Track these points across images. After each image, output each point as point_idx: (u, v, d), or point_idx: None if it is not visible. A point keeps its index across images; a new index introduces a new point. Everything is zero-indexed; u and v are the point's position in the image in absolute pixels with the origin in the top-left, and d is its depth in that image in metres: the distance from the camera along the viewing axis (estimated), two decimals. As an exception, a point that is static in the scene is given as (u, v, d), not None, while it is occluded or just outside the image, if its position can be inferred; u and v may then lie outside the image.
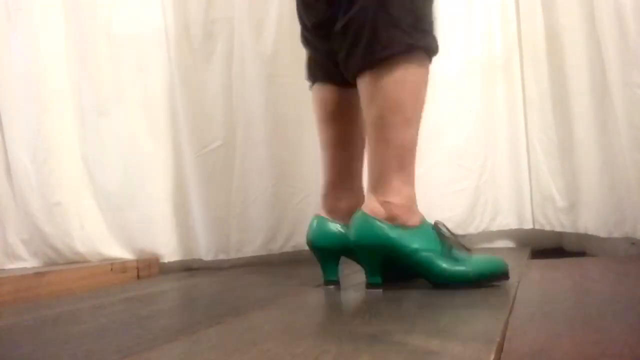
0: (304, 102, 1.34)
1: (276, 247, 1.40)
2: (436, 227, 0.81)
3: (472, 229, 1.34)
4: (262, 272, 1.26)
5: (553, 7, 1.25)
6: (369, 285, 0.82)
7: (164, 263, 1.47)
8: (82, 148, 1.50)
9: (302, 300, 0.81)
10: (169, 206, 1.47)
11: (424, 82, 0.83)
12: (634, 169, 1.05)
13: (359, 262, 0.86)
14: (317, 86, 0.97)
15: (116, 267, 1.34)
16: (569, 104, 1.23)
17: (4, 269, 1.50)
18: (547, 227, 1.30)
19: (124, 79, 1.47)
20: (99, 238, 1.47)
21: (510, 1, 1.33)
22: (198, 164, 1.42)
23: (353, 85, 0.84)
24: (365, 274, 0.82)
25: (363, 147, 0.93)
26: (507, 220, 1.35)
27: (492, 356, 0.43)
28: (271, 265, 1.39)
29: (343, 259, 0.89)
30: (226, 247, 1.42)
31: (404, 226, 0.79)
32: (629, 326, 0.53)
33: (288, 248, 1.39)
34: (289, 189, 1.39)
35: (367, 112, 0.82)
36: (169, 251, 1.46)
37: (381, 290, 0.81)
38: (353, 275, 0.96)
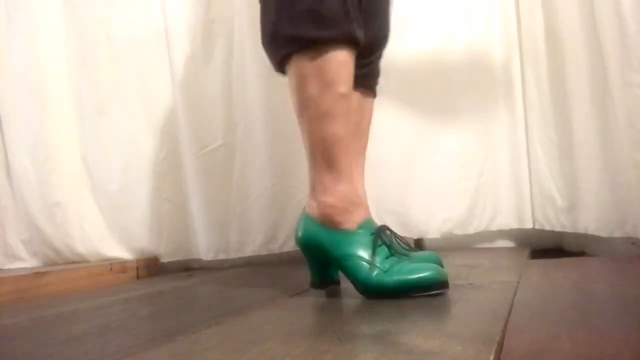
0: (303, 102, 1.35)
1: (276, 247, 1.40)
2: (376, 233, 0.77)
3: (472, 229, 1.34)
4: (262, 272, 1.26)
5: (553, 7, 1.25)
6: (311, 284, 0.83)
7: (164, 263, 1.47)
8: (82, 148, 1.51)
9: (302, 300, 0.81)
10: (169, 206, 1.47)
11: (342, 75, 0.78)
12: (634, 169, 1.05)
13: None
14: None
15: (116, 267, 1.34)
16: (569, 104, 1.23)
17: (3, 269, 1.50)
18: (547, 227, 1.30)
19: (123, 79, 1.47)
20: (99, 238, 1.48)
21: (510, 1, 1.33)
22: (198, 164, 1.42)
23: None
24: (310, 272, 0.83)
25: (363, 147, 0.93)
26: (507, 220, 1.34)
27: (492, 356, 0.43)
28: (271, 265, 1.39)
29: None
30: (226, 247, 1.42)
31: (338, 229, 0.78)
32: (628, 326, 0.53)
33: (288, 248, 1.39)
34: (289, 189, 1.39)
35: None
36: (169, 251, 1.46)
37: (324, 291, 0.82)
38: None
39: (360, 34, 0.78)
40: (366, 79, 0.93)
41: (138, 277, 1.39)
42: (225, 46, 1.42)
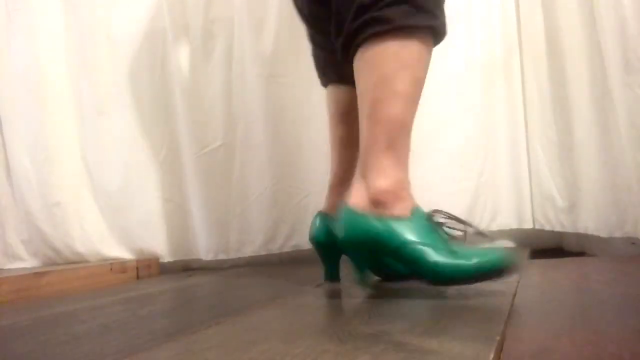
0: (304, 102, 1.35)
1: (276, 247, 1.40)
2: (431, 217, 0.74)
3: (472, 228, 1.33)
4: (262, 272, 1.26)
5: (553, 7, 1.25)
6: (359, 282, 0.80)
7: (164, 263, 1.47)
8: (82, 148, 1.51)
9: (302, 300, 0.81)
10: (169, 206, 1.47)
11: (421, 62, 0.78)
12: (634, 169, 1.05)
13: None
14: (330, 87, 0.97)
15: (116, 267, 1.34)
16: (569, 104, 1.23)
17: (3, 269, 1.50)
18: (548, 227, 1.30)
19: (123, 79, 1.47)
20: (99, 238, 1.48)
21: (510, 1, 1.33)
22: (198, 164, 1.42)
23: None
24: (355, 271, 0.80)
25: None
26: (507, 220, 1.34)
27: (492, 356, 0.43)
28: (271, 265, 1.39)
29: (344, 257, 0.89)
30: (226, 247, 1.42)
31: (391, 216, 0.73)
32: (628, 326, 0.53)
33: (288, 248, 1.39)
34: (289, 189, 1.39)
35: (357, 88, 0.79)
36: (169, 251, 1.46)
37: (368, 288, 0.80)
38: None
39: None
40: None
41: (138, 277, 1.39)
42: (225, 46, 1.42)
